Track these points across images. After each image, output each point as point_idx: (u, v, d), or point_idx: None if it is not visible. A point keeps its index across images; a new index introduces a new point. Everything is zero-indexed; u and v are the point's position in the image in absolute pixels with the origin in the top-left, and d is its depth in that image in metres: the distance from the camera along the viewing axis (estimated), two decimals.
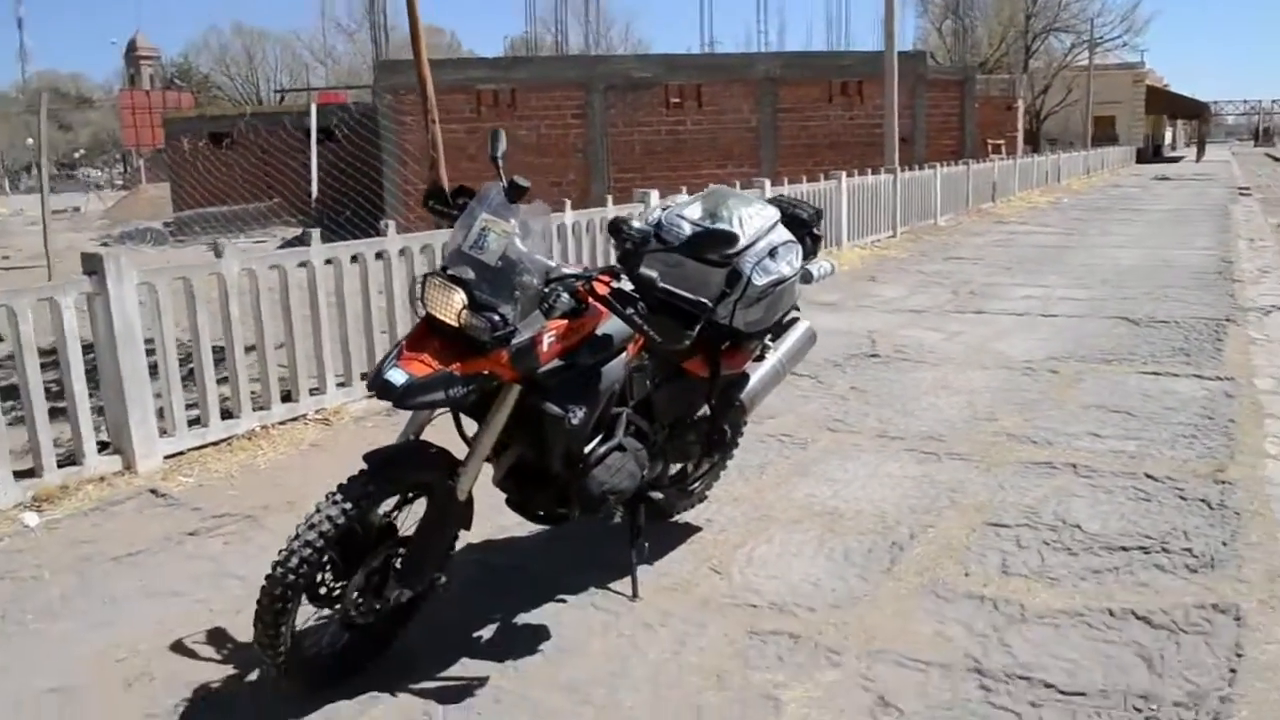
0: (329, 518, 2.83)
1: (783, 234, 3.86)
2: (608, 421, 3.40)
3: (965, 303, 10.16)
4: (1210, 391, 6.29)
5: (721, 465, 4.34)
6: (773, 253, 3.76)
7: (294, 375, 6.21)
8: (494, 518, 3.88)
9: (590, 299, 3.16)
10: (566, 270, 3.18)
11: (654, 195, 9.34)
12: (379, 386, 2.88)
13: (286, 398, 6.22)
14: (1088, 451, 5.16)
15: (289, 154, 25.37)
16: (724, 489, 4.59)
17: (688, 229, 3.65)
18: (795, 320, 4.24)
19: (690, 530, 4.24)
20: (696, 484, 4.21)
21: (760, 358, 4.06)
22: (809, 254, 4.14)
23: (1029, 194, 26.13)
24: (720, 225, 3.64)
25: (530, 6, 61.20)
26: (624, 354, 3.31)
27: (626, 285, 3.13)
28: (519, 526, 3.97)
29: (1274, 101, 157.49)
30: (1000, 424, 5.71)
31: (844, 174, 14.43)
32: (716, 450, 4.09)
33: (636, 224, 3.26)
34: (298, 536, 2.82)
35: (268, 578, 2.80)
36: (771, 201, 4.14)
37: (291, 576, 2.77)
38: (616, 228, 3.20)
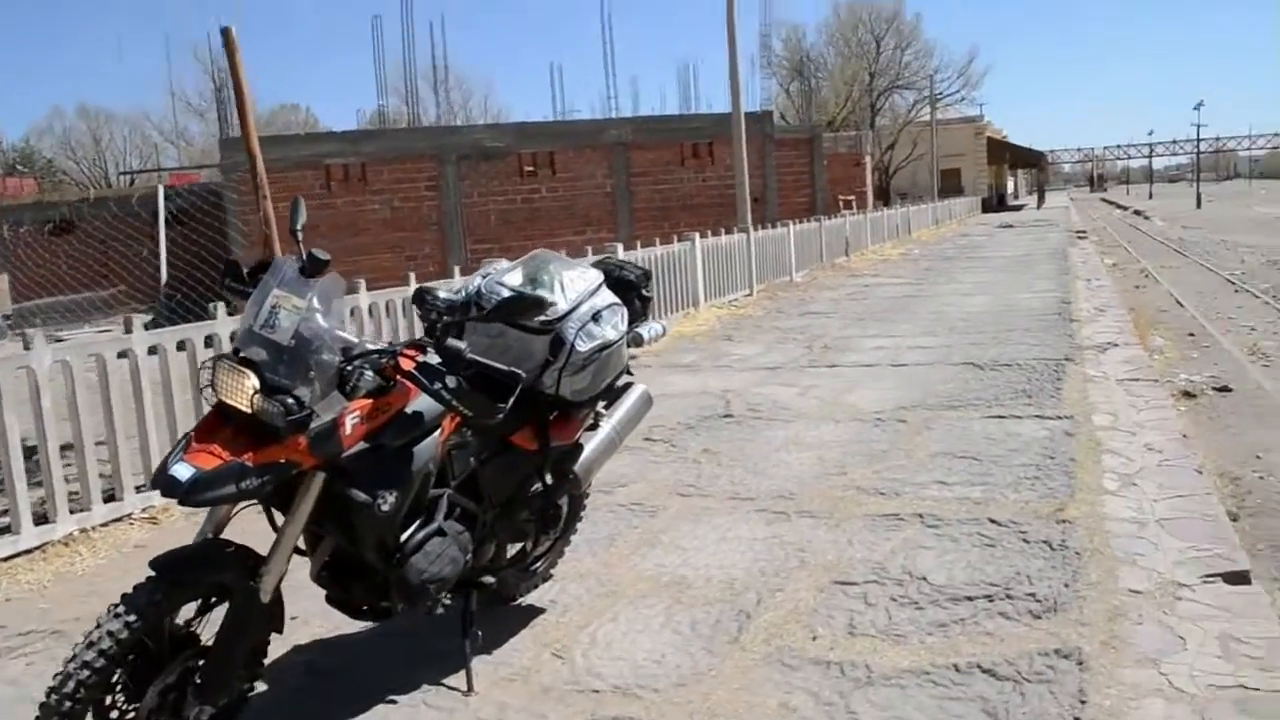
0: (110, 633, 2.57)
1: (607, 297, 3.75)
2: (426, 505, 3.21)
3: (819, 357, 10.27)
4: (1051, 431, 6.42)
5: (565, 541, 4.17)
6: (596, 317, 3.64)
7: (117, 472, 5.82)
8: (330, 615, 3.62)
9: (396, 375, 2.98)
10: (370, 346, 3.01)
11: (503, 263, 9.21)
12: (162, 483, 2.65)
13: (110, 497, 5.81)
14: (934, 500, 5.16)
15: (137, 239, 24.43)
16: (570, 565, 4.41)
17: (506, 296, 3.53)
18: (630, 385, 4.12)
19: (532, 612, 4.04)
20: (538, 563, 4.03)
21: (594, 426, 3.92)
22: (638, 316, 4.05)
23: (881, 247, 26.92)
24: (541, 291, 3.52)
25: (382, 79, 60.69)
26: (438, 432, 3.13)
27: (435, 358, 2.97)
28: (350, 624, 3.71)
29: (1105, 149, 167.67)
30: (850, 477, 5.69)
31: (698, 235, 14.56)
32: (553, 526, 3.92)
33: (443, 294, 3.12)
34: (75, 657, 2.55)
35: (41, 706, 2.52)
36: (597, 264, 4.04)
37: (68, 704, 2.50)
38: (421, 298, 3.06)
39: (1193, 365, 10.31)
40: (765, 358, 10.46)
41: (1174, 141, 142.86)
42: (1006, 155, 74.47)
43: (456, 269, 9.20)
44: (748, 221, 17.26)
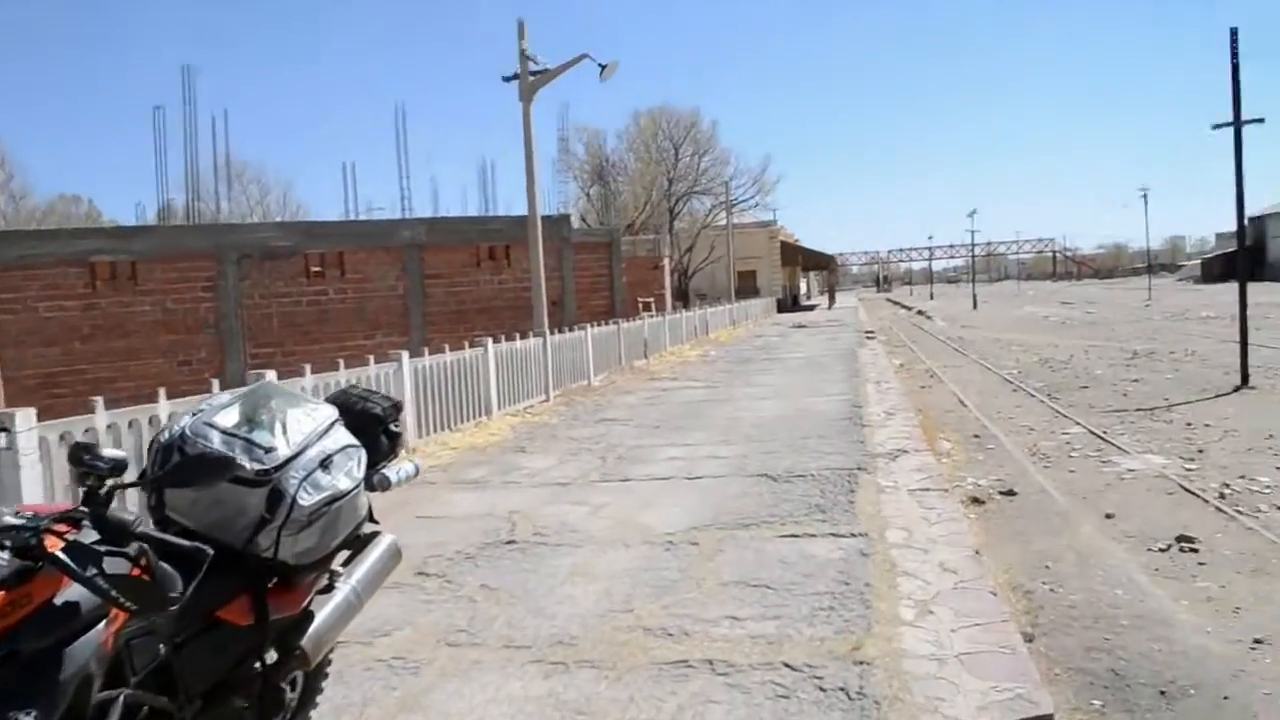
0: None
1: (340, 438, 3.21)
2: (93, 711, 2.54)
3: (613, 469, 9.87)
4: (846, 551, 6.17)
5: None
6: (326, 463, 3.09)
7: None
8: None
9: (44, 557, 2.34)
10: (8, 518, 2.36)
11: (270, 374, 8.46)
12: None
13: None
14: (725, 642, 4.75)
15: None
16: None
17: (217, 440, 2.95)
18: (376, 535, 3.56)
19: None
20: None
21: (330, 587, 3.33)
22: (385, 455, 3.53)
23: (680, 348, 27.13)
24: (258, 433, 2.96)
25: (162, 172, 58.19)
26: (104, 622, 2.48)
27: (92, 534, 2.35)
28: None
29: (890, 252, 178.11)
30: (637, 614, 5.23)
31: (490, 340, 14.10)
32: (278, 713, 3.28)
33: (108, 451, 2.50)
34: None
35: None
36: (333, 398, 3.50)
37: None
38: (78, 456, 2.43)
39: (979, 468, 10.43)
40: (557, 471, 9.99)
41: (951, 246, 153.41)
42: (799, 258, 77.74)
43: (215, 383, 8.38)
44: (544, 325, 16.96)
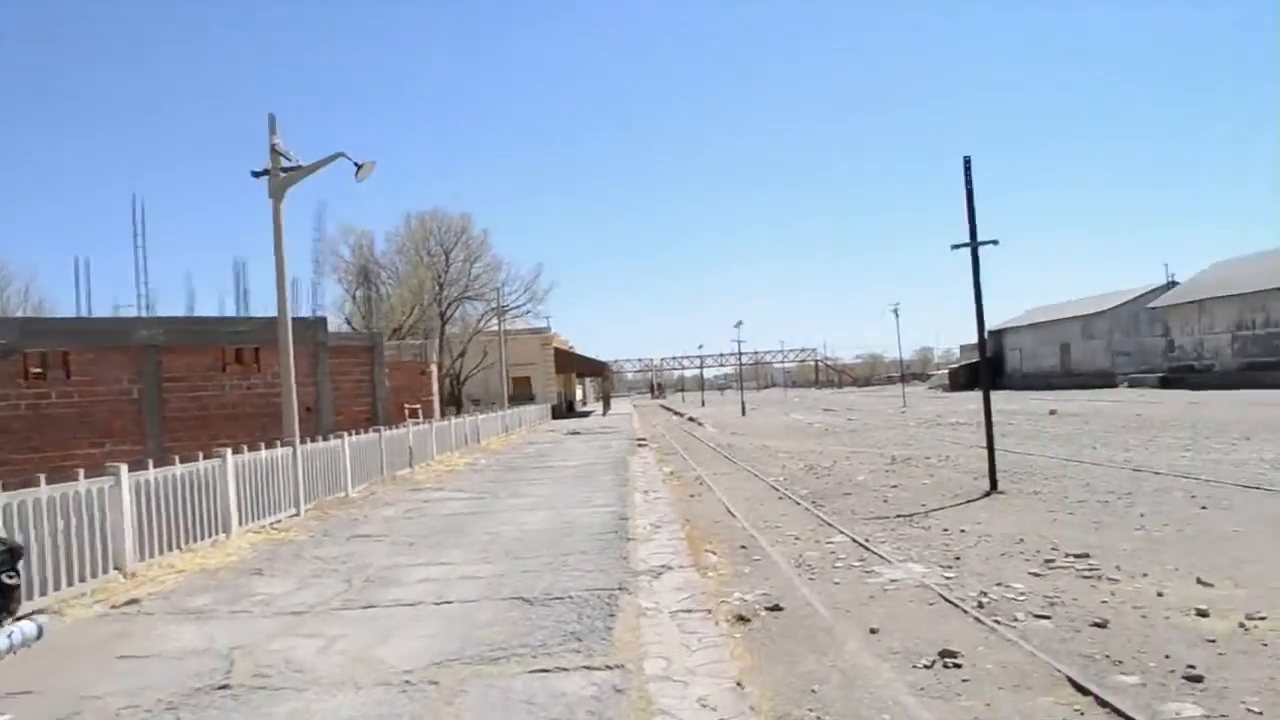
0: None
1: None
2: None
3: (358, 594, 9.00)
4: (599, 688, 5.61)
5: None
6: None
7: None
8: None
9: None
10: None
11: None
12: None
13: None
14: None
15: None
16: None
17: None
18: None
19: None
20: None
21: None
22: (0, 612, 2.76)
23: (448, 456, 26.19)
24: None
25: None
26: None
27: None
28: None
29: (663, 359, 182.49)
30: None
31: (229, 451, 12.94)
32: None
33: None
34: None
35: None
36: None
37: None
38: None
39: (746, 582, 10.15)
40: (296, 597, 9.02)
41: (721, 355, 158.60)
42: (574, 364, 78.16)
43: None
44: (295, 434, 15.84)
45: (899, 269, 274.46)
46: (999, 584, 9.43)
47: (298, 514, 14.87)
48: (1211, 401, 47.43)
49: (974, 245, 18.15)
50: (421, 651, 6.73)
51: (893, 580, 9.92)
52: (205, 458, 12.88)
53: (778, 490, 19.81)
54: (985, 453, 18.38)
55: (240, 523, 12.96)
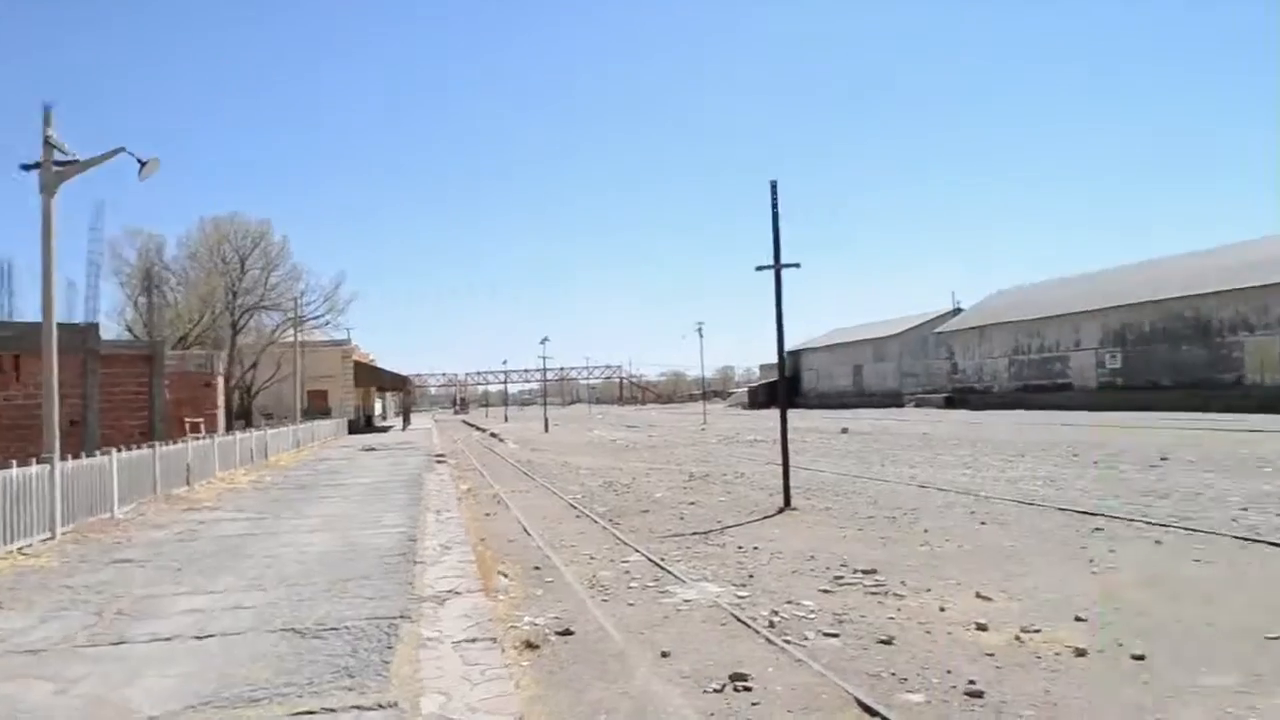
0: None
1: None
2: None
3: (107, 628, 8.17)
4: None
5: None
6: None
7: None
8: None
9: None
10: None
11: None
12: None
13: None
14: None
15: None
16: None
17: None
18: None
19: None
20: None
21: None
22: None
23: (232, 474, 24.77)
24: None
25: None
26: None
27: None
28: None
29: (468, 374, 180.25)
30: None
31: None
32: None
33: None
34: None
35: None
36: None
37: None
38: None
39: (536, 605, 9.81)
40: (34, 633, 8.12)
41: (526, 370, 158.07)
42: (374, 378, 76.03)
43: None
44: (55, 449, 14.54)
45: (704, 289, 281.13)
46: (790, 601, 9.44)
47: (52, 537, 13.61)
48: (990, 421, 50.34)
49: (777, 267, 18.45)
50: (173, 692, 6.10)
51: (686, 600, 9.80)
52: None
53: (575, 508, 19.56)
54: (780, 470, 18.68)
55: None
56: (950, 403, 77.06)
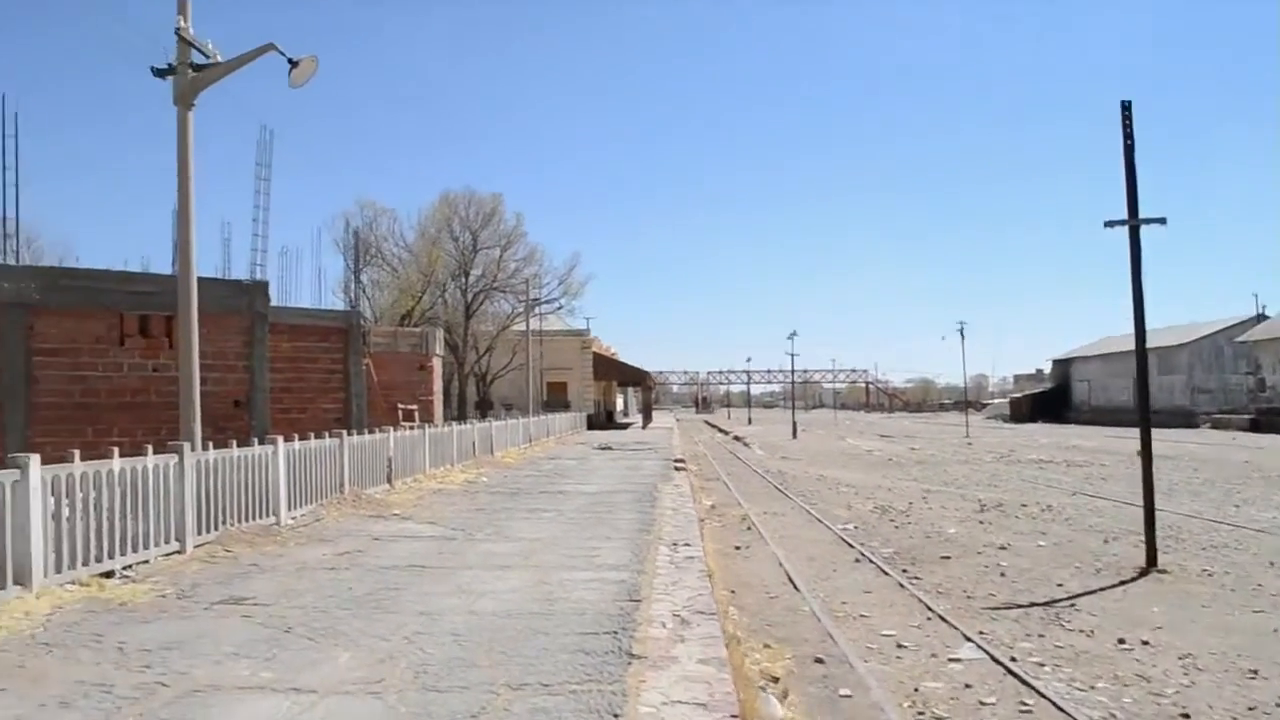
0: None
1: None
2: None
3: None
4: None
5: None
6: None
7: None
8: None
9: None
10: None
11: None
12: None
13: None
14: None
15: None
16: None
17: None
18: None
19: None
20: None
21: None
22: None
23: (447, 470, 21.72)
24: None
25: None
26: None
27: None
28: None
29: (709, 373, 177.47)
30: None
31: (35, 459, 8.55)
32: None
33: None
34: None
35: None
36: None
37: None
38: None
39: None
40: None
41: (769, 371, 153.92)
42: (614, 371, 73.65)
43: None
44: (195, 434, 11.51)
45: (956, 291, 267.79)
46: None
47: (180, 551, 10.49)
48: None
49: (1133, 222, 13.54)
50: None
51: None
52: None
53: (850, 545, 15.21)
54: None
55: (58, 568, 8.60)
56: (1256, 425, 66.41)
